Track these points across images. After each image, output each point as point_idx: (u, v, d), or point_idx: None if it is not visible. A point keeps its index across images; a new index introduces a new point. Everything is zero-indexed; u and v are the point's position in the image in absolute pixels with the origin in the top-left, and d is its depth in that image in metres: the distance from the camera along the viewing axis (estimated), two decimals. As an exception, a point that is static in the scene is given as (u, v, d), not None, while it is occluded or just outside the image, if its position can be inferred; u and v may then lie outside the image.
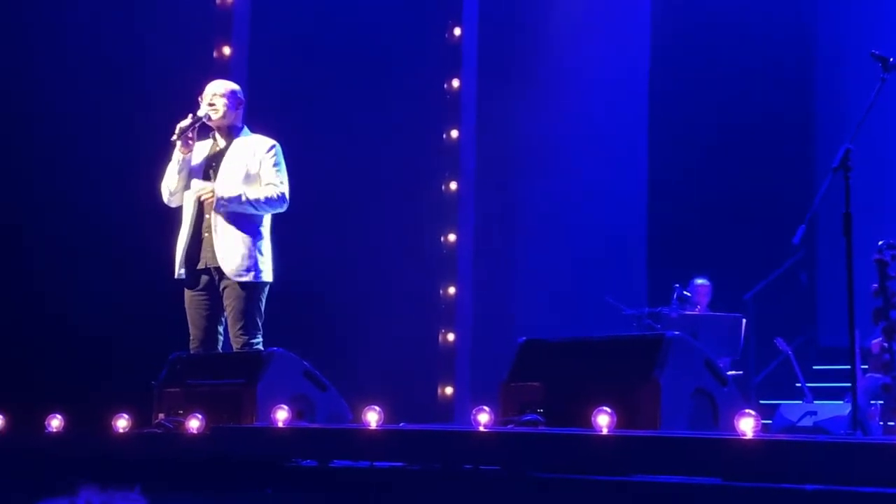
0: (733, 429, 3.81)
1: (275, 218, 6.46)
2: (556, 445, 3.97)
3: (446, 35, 10.50)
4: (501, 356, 5.38)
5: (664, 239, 11.09)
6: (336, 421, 5.56)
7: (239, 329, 6.22)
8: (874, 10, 11.37)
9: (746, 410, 3.83)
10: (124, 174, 8.05)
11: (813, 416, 8.86)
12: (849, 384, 6.85)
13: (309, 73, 9.37)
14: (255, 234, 6.31)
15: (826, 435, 7.90)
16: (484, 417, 4.39)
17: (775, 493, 3.32)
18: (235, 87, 6.52)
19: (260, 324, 6.29)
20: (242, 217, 6.27)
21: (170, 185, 6.40)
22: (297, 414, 5.33)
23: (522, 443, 4.09)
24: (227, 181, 6.27)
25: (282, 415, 5.01)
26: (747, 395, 9.27)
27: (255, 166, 6.33)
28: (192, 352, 6.29)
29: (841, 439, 3.76)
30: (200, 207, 6.32)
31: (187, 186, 6.38)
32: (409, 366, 9.58)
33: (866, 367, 8.36)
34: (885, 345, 5.92)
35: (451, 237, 10.34)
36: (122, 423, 5.52)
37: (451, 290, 10.28)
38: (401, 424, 5.41)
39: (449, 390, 10.10)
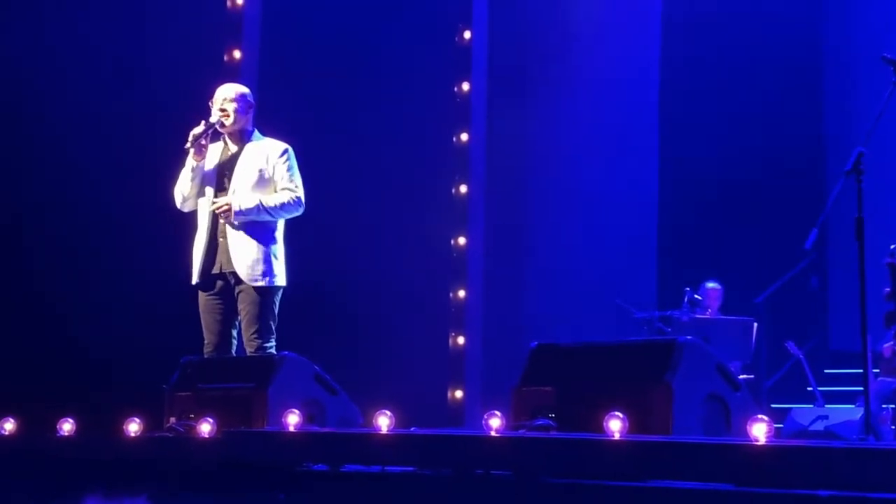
0: (746, 434, 3.79)
1: (286, 221, 6.46)
2: (568, 451, 3.96)
3: (456, 38, 10.50)
4: (512, 360, 5.38)
5: (675, 242, 11.07)
6: (347, 425, 5.56)
7: (253, 333, 6.23)
8: (884, 13, 11.34)
9: (759, 416, 3.82)
10: (135, 177, 8.06)
11: (824, 421, 8.83)
12: (860, 388, 6.84)
13: (319, 76, 9.38)
14: (269, 239, 6.32)
15: (838, 440, 7.88)
16: (495, 422, 4.38)
17: (788, 499, 3.31)
18: (245, 90, 6.52)
19: (273, 328, 6.30)
20: (257, 222, 6.28)
21: (183, 190, 6.41)
22: (308, 418, 5.33)
23: (534, 448, 4.08)
24: (243, 192, 6.27)
25: (293, 419, 5.02)
26: (758, 399, 9.25)
27: (269, 171, 6.34)
28: (205, 356, 6.29)
29: (854, 444, 3.75)
30: (217, 214, 6.32)
31: (201, 193, 6.39)
32: (419, 370, 9.58)
33: (878, 370, 8.33)
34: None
35: (462, 240, 10.34)
36: (133, 426, 5.52)
37: (462, 293, 10.28)
38: (412, 429, 5.41)
39: (459, 394, 10.09)
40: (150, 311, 8.03)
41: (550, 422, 4.65)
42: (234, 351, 6.38)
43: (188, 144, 6.28)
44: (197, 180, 6.37)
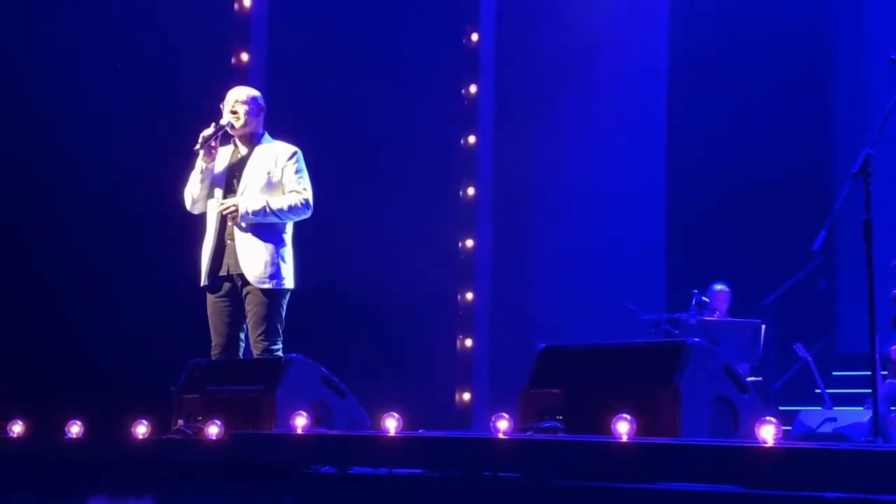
0: (754, 436, 3.79)
1: (295, 224, 6.46)
2: (576, 453, 3.96)
3: (464, 40, 10.51)
4: (519, 362, 5.37)
5: (683, 244, 11.06)
6: (354, 427, 5.56)
7: (259, 335, 6.24)
8: (893, 14, 11.32)
9: (767, 418, 3.82)
10: (145, 180, 8.08)
11: (833, 423, 8.82)
12: (869, 390, 6.83)
13: (326, 79, 9.38)
14: (277, 241, 6.32)
15: (846, 442, 7.87)
16: (503, 424, 4.38)
17: (796, 501, 3.31)
18: (256, 93, 6.52)
19: (280, 330, 6.30)
20: (265, 224, 6.28)
21: (193, 192, 6.42)
22: (315, 420, 5.33)
23: (542, 450, 4.08)
24: (251, 194, 6.28)
25: (300, 421, 5.02)
26: (766, 402, 9.24)
27: (278, 174, 6.34)
28: (213, 358, 6.30)
29: (862, 447, 3.74)
30: (224, 215, 6.33)
31: (210, 195, 6.40)
32: (427, 372, 9.59)
33: (886, 373, 8.32)
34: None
35: (469, 243, 10.34)
36: (141, 429, 5.53)
37: (469, 295, 10.28)
38: (419, 431, 5.41)
39: (467, 396, 10.09)
40: (158, 313, 8.04)
41: (558, 424, 4.65)
42: (241, 353, 6.39)
43: (198, 146, 6.28)
44: (206, 182, 6.38)
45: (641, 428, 4.17)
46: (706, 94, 11.19)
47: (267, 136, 6.49)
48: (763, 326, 9.28)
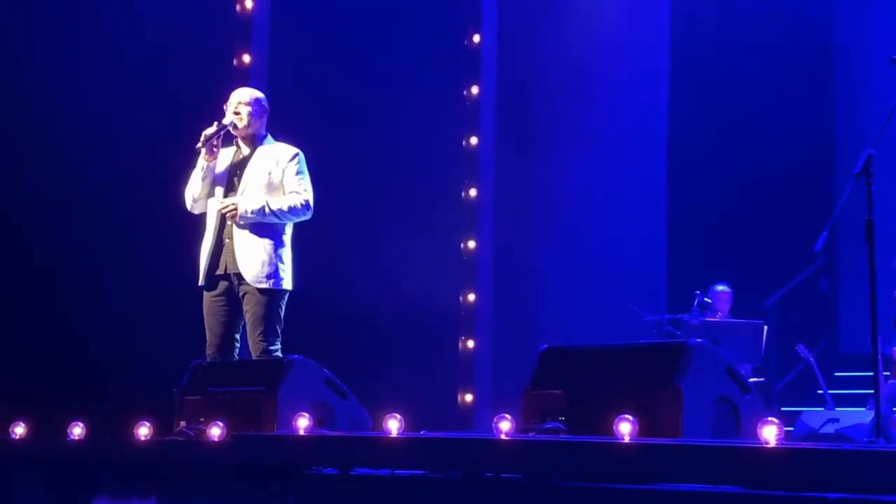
0: (756, 437, 3.79)
1: (295, 225, 6.47)
2: (578, 454, 3.96)
3: (465, 42, 10.51)
4: (521, 363, 5.38)
5: (685, 245, 11.06)
6: (356, 428, 5.56)
7: (258, 335, 6.23)
8: (894, 15, 11.32)
9: (769, 418, 3.82)
10: (146, 181, 8.08)
11: (835, 424, 8.82)
12: (871, 391, 6.83)
13: (328, 80, 9.38)
14: (276, 242, 6.32)
15: (848, 442, 7.87)
16: (505, 425, 4.38)
17: (798, 502, 3.31)
18: (260, 95, 6.53)
19: (279, 331, 6.30)
20: (264, 224, 6.28)
21: (193, 191, 6.42)
22: (317, 421, 5.33)
23: (544, 451, 4.08)
24: (251, 194, 6.28)
25: (302, 422, 5.02)
26: (769, 402, 9.24)
27: (279, 175, 6.34)
28: (208, 358, 6.29)
29: (864, 447, 3.74)
30: (223, 214, 6.33)
31: (211, 194, 6.40)
32: (429, 373, 9.58)
33: (888, 373, 8.32)
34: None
35: (471, 244, 10.34)
36: (143, 430, 5.53)
37: (471, 296, 10.28)
38: (421, 432, 5.41)
39: (469, 397, 10.09)
40: (161, 314, 8.04)
41: (560, 425, 4.65)
42: (236, 354, 6.38)
43: (200, 144, 6.28)
44: (207, 181, 6.38)
45: (643, 429, 4.17)
46: (707, 95, 11.19)
47: (269, 137, 6.49)
48: (765, 327, 9.29)
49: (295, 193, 6.33)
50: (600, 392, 4.71)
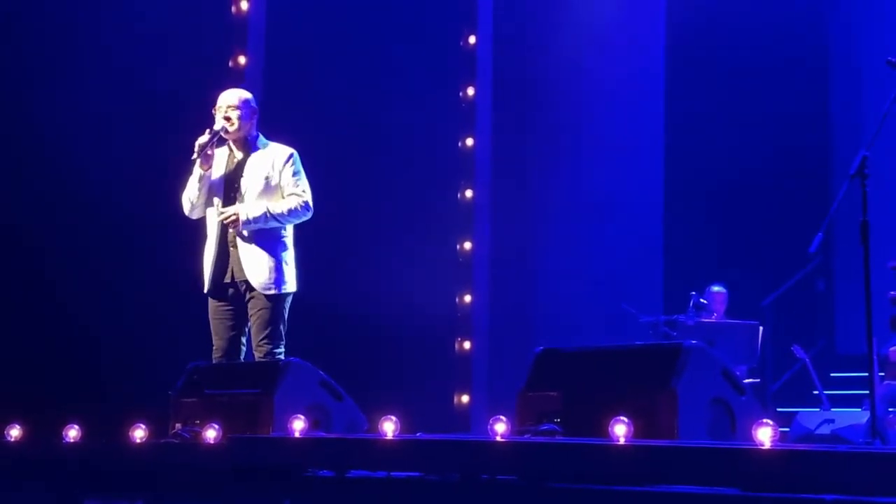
0: (751, 438, 3.79)
1: (294, 226, 6.46)
2: (574, 455, 3.96)
3: (461, 43, 10.51)
4: (517, 365, 5.37)
5: (680, 246, 11.07)
6: (352, 431, 5.56)
7: (263, 338, 6.24)
8: (889, 17, 11.33)
9: (764, 420, 3.82)
10: (142, 183, 8.07)
11: (830, 424, 8.82)
12: (866, 392, 6.83)
13: (324, 81, 9.38)
14: (280, 246, 6.33)
15: (844, 443, 7.87)
16: (501, 427, 4.38)
17: (794, 503, 3.31)
18: (248, 95, 6.50)
19: (283, 333, 6.31)
20: (267, 230, 6.28)
21: (191, 198, 6.39)
22: (313, 424, 5.33)
23: (539, 453, 4.08)
24: (251, 200, 6.27)
25: (298, 425, 5.01)
26: (764, 403, 9.25)
27: (276, 177, 6.33)
28: (214, 362, 6.30)
29: (860, 449, 3.74)
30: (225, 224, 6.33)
31: (209, 201, 6.38)
32: (425, 375, 9.59)
33: (884, 374, 8.32)
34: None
35: (467, 245, 10.34)
36: (139, 433, 5.52)
37: (468, 298, 10.28)
38: (417, 434, 5.41)
39: (465, 399, 10.09)
40: (156, 316, 8.04)
41: (556, 426, 4.65)
42: (242, 357, 6.38)
43: (195, 155, 6.26)
44: (205, 189, 6.36)
45: (639, 430, 4.17)
46: (703, 96, 11.21)
47: (262, 138, 6.47)
48: (761, 328, 9.29)
49: (294, 195, 6.32)
50: (596, 394, 4.72)
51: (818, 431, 8.81)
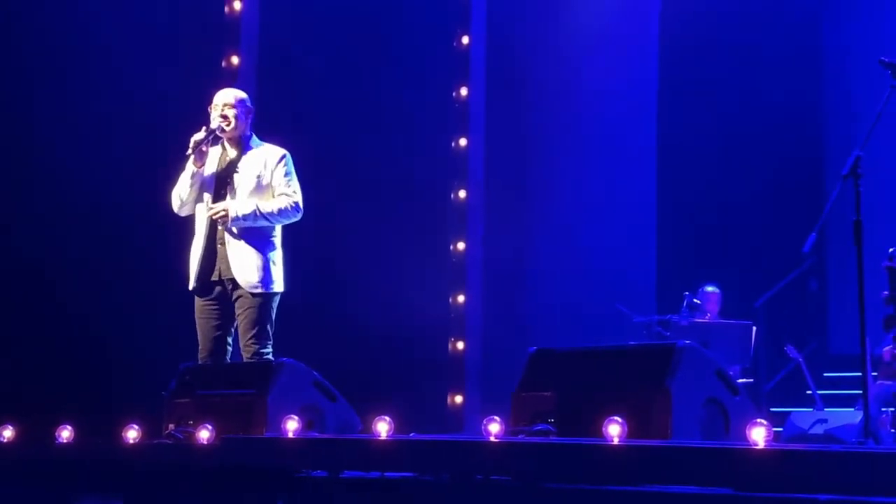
0: (745, 438, 3.79)
1: (284, 226, 6.46)
2: (568, 456, 3.96)
3: (454, 43, 10.51)
4: (511, 365, 5.37)
5: (674, 246, 11.07)
6: (346, 431, 5.55)
7: (250, 338, 6.23)
8: (881, 16, 11.34)
9: (758, 419, 3.82)
10: (135, 183, 8.06)
11: (824, 424, 8.83)
12: (860, 391, 6.83)
13: (317, 81, 9.38)
14: (268, 246, 6.32)
15: (837, 443, 7.88)
16: (495, 427, 4.38)
17: (787, 503, 3.31)
18: (244, 95, 6.52)
19: (271, 333, 6.30)
20: (256, 228, 6.27)
21: (182, 195, 6.39)
22: (307, 424, 5.33)
23: (533, 453, 4.08)
24: (241, 198, 6.27)
25: (292, 425, 5.01)
26: (758, 403, 9.25)
27: (267, 177, 6.34)
28: (200, 362, 6.29)
29: (853, 448, 3.74)
30: (214, 220, 6.32)
31: (199, 198, 6.38)
32: (418, 375, 9.58)
33: (877, 374, 8.33)
34: (896, 352, 5.93)
35: (461, 245, 10.34)
36: (132, 433, 5.51)
37: (461, 298, 10.28)
38: (411, 434, 5.40)
39: (459, 399, 10.09)
40: (149, 317, 8.03)
41: (550, 427, 4.65)
42: (228, 357, 6.37)
43: (190, 151, 6.27)
44: (196, 186, 6.37)
45: (633, 430, 4.17)
46: (696, 96, 11.21)
47: (255, 138, 6.48)
48: (754, 328, 9.30)
49: (284, 196, 6.33)
50: (590, 394, 4.71)
51: (811, 431, 8.82)
